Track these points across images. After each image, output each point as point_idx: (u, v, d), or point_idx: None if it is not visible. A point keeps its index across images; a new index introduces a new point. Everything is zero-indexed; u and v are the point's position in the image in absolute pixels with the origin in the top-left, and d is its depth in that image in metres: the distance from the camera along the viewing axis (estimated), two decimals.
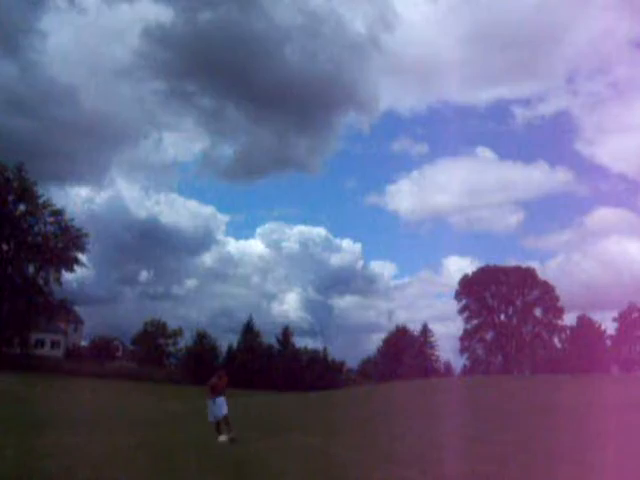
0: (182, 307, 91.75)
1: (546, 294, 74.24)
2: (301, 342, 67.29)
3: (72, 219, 51.18)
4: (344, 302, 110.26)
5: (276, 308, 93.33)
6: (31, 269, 51.23)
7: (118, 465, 8.69)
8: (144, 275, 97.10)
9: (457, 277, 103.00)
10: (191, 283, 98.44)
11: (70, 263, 50.47)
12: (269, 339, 64.32)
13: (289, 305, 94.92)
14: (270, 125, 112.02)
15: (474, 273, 76.63)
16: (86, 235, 51.07)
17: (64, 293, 51.02)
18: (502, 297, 76.47)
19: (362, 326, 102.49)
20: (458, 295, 76.63)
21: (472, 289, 76.12)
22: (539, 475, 8.91)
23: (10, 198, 49.20)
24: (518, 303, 76.41)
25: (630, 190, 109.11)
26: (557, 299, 73.61)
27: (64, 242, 50.05)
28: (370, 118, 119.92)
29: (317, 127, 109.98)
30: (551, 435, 12.47)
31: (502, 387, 25.23)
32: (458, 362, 77.37)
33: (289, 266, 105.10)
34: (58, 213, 50.55)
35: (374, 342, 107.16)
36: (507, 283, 75.03)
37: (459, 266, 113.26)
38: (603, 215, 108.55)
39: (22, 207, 50.07)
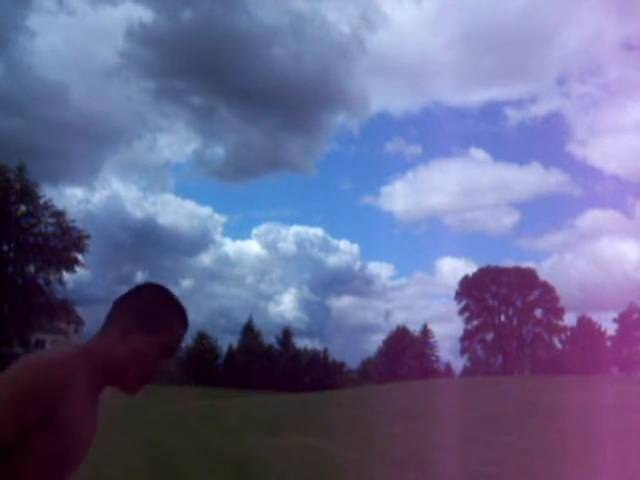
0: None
1: (546, 295, 74.30)
2: (299, 343, 67.49)
3: (73, 220, 51.34)
4: (341, 303, 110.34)
5: (273, 309, 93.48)
6: (32, 270, 51.33)
7: (118, 465, 8.70)
8: (141, 276, 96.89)
9: (453, 278, 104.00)
10: (187, 283, 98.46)
11: (71, 264, 50.55)
12: (267, 339, 64.58)
13: (286, 306, 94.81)
14: (262, 125, 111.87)
15: (474, 274, 76.69)
16: (87, 237, 51.19)
17: (62, 293, 51.12)
18: (502, 298, 76.52)
19: (360, 327, 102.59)
20: (458, 296, 76.71)
21: (472, 290, 76.18)
22: (539, 476, 8.91)
23: (11, 199, 49.31)
24: (518, 304, 76.47)
25: (624, 192, 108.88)
26: (557, 300, 73.70)
27: (65, 243, 50.15)
28: (362, 119, 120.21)
29: (309, 128, 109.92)
30: (551, 436, 12.47)
31: (502, 388, 25.21)
32: (457, 363, 77.59)
33: (286, 266, 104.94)
34: (59, 214, 50.65)
35: (372, 343, 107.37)
36: (507, 284, 75.08)
37: (455, 267, 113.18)
38: (597, 216, 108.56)
39: (23, 208, 50.18)
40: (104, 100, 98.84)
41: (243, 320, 65.69)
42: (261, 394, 42.69)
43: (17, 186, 49.15)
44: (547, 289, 74.16)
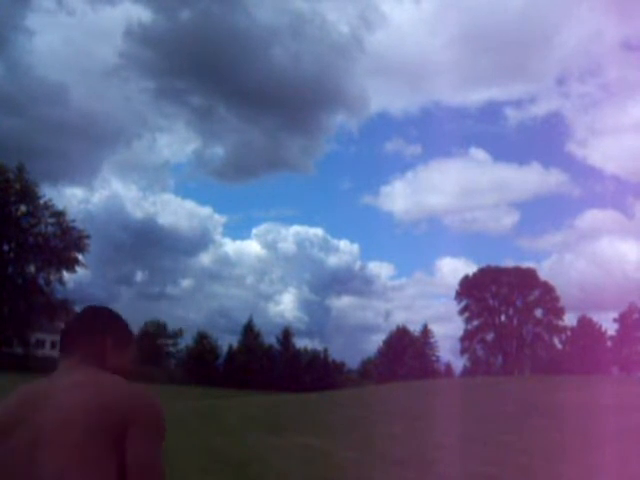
0: (178, 307, 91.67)
1: (547, 295, 74.30)
2: (298, 343, 67.38)
3: (73, 220, 51.34)
4: (341, 303, 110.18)
5: (273, 309, 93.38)
6: (32, 270, 51.35)
7: None
8: (140, 275, 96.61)
9: (453, 278, 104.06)
10: (187, 283, 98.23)
11: (71, 264, 50.56)
12: (267, 339, 64.62)
13: (285, 306, 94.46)
14: (261, 125, 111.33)
15: (474, 274, 76.72)
16: (87, 237, 51.19)
17: (63, 293, 51.13)
18: (503, 298, 76.52)
19: (360, 327, 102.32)
20: (458, 296, 76.75)
21: (472, 290, 76.20)
22: (539, 477, 8.92)
23: (11, 199, 49.29)
24: (519, 304, 76.47)
25: (623, 191, 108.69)
26: (558, 300, 73.70)
27: (65, 243, 50.14)
28: (362, 119, 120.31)
29: (308, 128, 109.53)
30: (551, 436, 12.47)
31: (502, 388, 25.20)
32: (457, 363, 77.59)
33: (286, 266, 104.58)
34: (59, 214, 50.65)
35: (372, 343, 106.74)
36: (508, 284, 75.08)
37: (455, 267, 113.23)
38: (596, 216, 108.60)
39: (23, 208, 50.17)
40: (104, 100, 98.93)
41: (243, 320, 65.79)
42: (261, 394, 42.68)
43: (17, 186, 49.13)
44: (547, 289, 74.16)
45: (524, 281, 74.56)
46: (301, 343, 70.41)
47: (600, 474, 8.84)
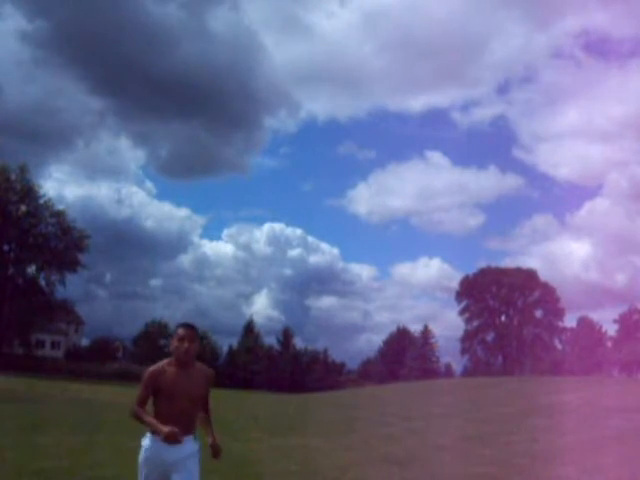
0: (155, 306, 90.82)
1: (547, 295, 74.29)
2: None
3: (74, 220, 51.27)
4: (322, 303, 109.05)
5: (252, 309, 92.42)
6: (33, 270, 51.32)
7: (119, 466, 8.71)
8: (113, 276, 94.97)
9: (428, 278, 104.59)
10: (156, 283, 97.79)
11: (72, 264, 50.50)
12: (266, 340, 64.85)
13: (262, 305, 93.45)
14: (201, 128, 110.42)
15: (475, 274, 76.77)
16: (88, 237, 51.10)
17: (62, 294, 51.07)
18: (503, 298, 76.52)
19: (342, 327, 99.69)
20: (459, 296, 76.79)
21: (473, 290, 76.21)
22: (539, 478, 8.92)
23: (12, 199, 49.23)
24: (519, 304, 76.45)
25: (570, 195, 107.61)
26: (558, 300, 73.69)
27: (65, 243, 50.07)
28: (299, 123, 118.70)
29: (251, 130, 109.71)
30: (551, 437, 12.47)
31: (502, 388, 25.21)
32: (457, 363, 77.60)
33: (261, 267, 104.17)
34: (60, 214, 50.60)
35: (361, 343, 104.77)
36: (508, 285, 75.06)
37: (431, 267, 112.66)
38: (545, 219, 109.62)
39: (24, 208, 50.09)
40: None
41: (224, 320, 65.91)
42: (261, 394, 42.72)
43: (18, 186, 49.09)
44: (548, 290, 74.15)
45: (524, 282, 74.55)
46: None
47: (600, 475, 8.84)
